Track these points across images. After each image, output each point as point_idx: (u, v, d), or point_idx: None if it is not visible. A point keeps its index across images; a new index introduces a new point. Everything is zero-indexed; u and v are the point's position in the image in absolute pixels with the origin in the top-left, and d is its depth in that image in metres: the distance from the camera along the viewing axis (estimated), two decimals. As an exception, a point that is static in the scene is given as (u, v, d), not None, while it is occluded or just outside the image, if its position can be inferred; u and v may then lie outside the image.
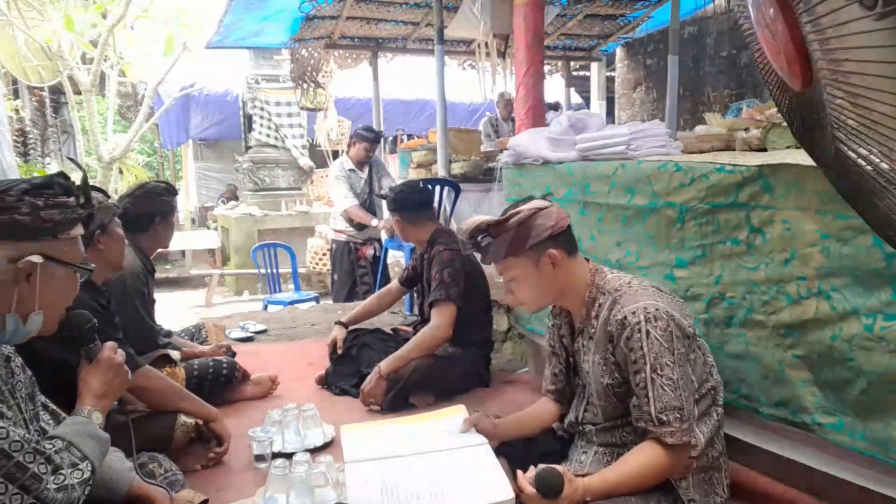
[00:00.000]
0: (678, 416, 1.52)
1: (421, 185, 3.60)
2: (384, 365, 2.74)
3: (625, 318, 1.57)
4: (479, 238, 1.71)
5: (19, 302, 1.30)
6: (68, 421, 1.37)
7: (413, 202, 3.13)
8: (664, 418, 1.52)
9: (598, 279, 1.72)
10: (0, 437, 1.15)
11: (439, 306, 2.87)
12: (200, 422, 2.27)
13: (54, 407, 1.54)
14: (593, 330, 1.70)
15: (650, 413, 1.54)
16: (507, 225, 1.67)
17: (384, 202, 3.60)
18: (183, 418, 2.21)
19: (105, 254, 2.19)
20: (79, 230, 1.39)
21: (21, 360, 1.44)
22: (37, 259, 1.28)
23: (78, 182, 1.38)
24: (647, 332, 1.54)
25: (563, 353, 1.86)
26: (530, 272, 1.69)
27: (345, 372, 3.03)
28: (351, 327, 3.23)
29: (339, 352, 3.09)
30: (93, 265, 1.46)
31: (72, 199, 1.34)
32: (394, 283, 3.39)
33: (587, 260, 1.77)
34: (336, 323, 3.25)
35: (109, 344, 1.51)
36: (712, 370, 1.70)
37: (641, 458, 1.56)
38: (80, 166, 1.64)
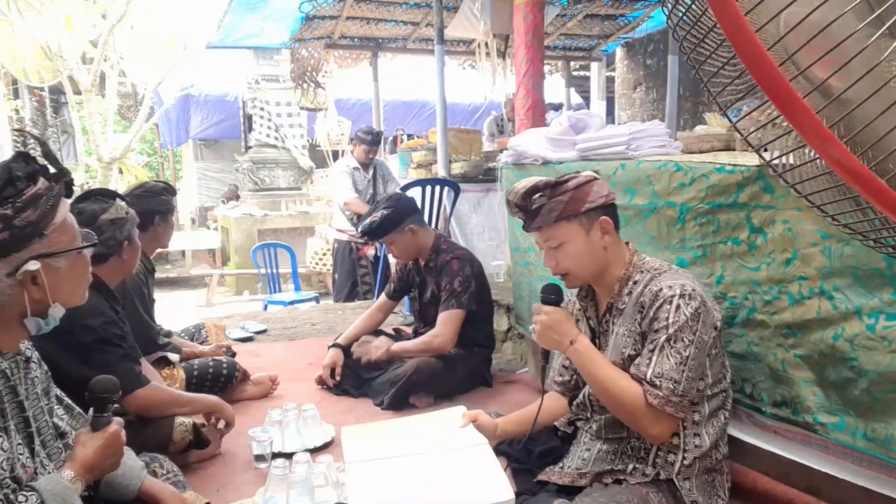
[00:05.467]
0: (671, 387, 1.51)
1: (398, 191, 3.63)
2: (395, 346, 2.92)
3: (660, 289, 1.57)
4: (533, 198, 1.64)
5: (32, 304, 1.27)
6: (52, 478, 1.28)
7: (412, 207, 3.04)
8: (657, 382, 1.52)
9: (636, 259, 1.72)
10: None
11: (448, 314, 2.88)
12: (198, 422, 2.24)
13: (69, 401, 1.53)
14: (623, 305, 1.68)
15: (645, 373, 1.54)
16: (565, 186, 1.64)
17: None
18: (181, 419, 2.19)
19: (127, 261, 2.21)
20: (64, 209, 1.30)
21: (38, 355, 1.43)
22: (33, 266, 1.24)
23: (39, 156, 1.29)
24: (678, 306, 1.54)
25: (589, 335, 1.79)
26: (580, 238, 1.65)
27: (346, 371, 3.02)
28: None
29: (338, 378, 2.97)
30: (96, 237, 1.41)
31: (40, 183, 1.25)
32: (382, 298, 3.25)
33: (626, 243, 1.76)
34: (332, 346, 3.07)
35: (119, 420, 1.44)
36: (727, 374, 1.69)
37: (624, 380, 1.58)
38: (36, 137, 1.58)
